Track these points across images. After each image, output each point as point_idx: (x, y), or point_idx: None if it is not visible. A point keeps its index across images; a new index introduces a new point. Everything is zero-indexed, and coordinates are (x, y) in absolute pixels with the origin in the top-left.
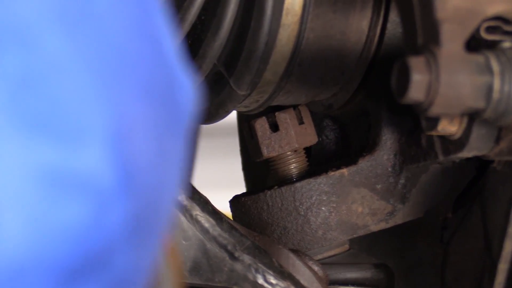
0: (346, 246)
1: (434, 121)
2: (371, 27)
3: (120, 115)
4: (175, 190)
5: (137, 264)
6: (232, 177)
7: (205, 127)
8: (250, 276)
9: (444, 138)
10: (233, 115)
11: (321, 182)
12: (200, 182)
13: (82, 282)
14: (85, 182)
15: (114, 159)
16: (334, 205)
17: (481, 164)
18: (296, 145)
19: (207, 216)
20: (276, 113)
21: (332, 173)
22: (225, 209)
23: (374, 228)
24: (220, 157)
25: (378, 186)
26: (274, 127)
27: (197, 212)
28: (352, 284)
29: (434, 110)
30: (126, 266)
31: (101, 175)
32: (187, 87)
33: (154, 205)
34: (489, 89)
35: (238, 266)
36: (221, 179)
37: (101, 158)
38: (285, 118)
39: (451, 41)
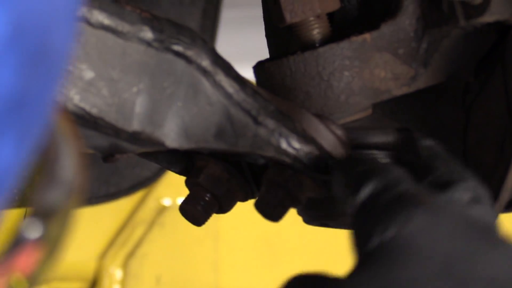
0: (369, 111)
1: None
2: None
3: None
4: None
5: (29, 88)
6: (255, 48)
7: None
8: (274, 141)
9: (465, 3)
10: None
11: (344, 47)
12: (224, 53)
13: None
14: None
15: None
16: (357, 70)
17: (502, 28)
18: (319, 10)
19: (231, 81)
20: None
21: (355, 38)
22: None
23: (397, 92)
24: (243, 28)
25: (401, 51)
26: None
27: (221, 77)
28: (375, 148)
29: None
30: (14, 84)
31: None
32: None
33: (39, 17)
34: None
35: (261, 131)
36: (245, 50)
37: None
38: None
39: None
